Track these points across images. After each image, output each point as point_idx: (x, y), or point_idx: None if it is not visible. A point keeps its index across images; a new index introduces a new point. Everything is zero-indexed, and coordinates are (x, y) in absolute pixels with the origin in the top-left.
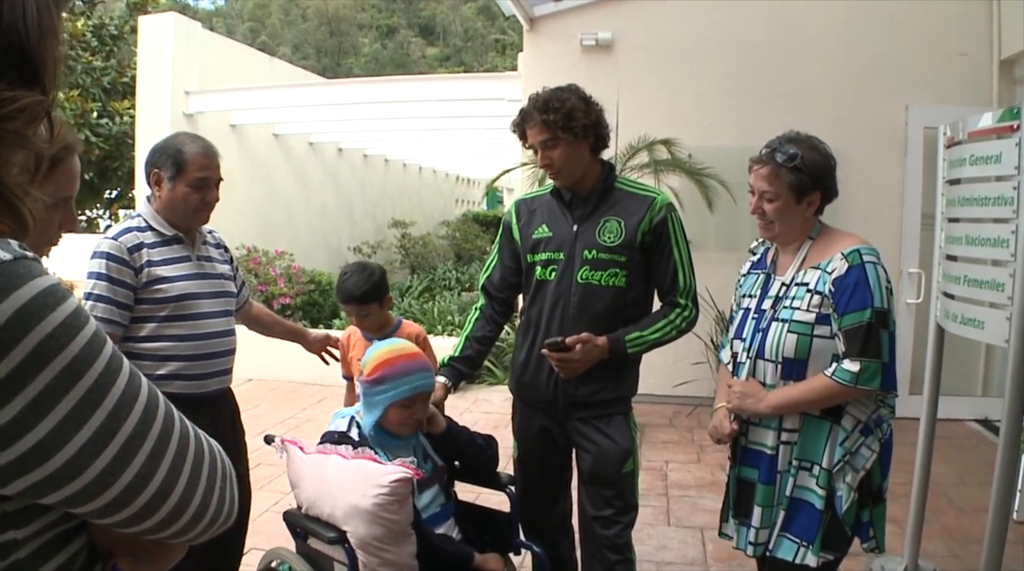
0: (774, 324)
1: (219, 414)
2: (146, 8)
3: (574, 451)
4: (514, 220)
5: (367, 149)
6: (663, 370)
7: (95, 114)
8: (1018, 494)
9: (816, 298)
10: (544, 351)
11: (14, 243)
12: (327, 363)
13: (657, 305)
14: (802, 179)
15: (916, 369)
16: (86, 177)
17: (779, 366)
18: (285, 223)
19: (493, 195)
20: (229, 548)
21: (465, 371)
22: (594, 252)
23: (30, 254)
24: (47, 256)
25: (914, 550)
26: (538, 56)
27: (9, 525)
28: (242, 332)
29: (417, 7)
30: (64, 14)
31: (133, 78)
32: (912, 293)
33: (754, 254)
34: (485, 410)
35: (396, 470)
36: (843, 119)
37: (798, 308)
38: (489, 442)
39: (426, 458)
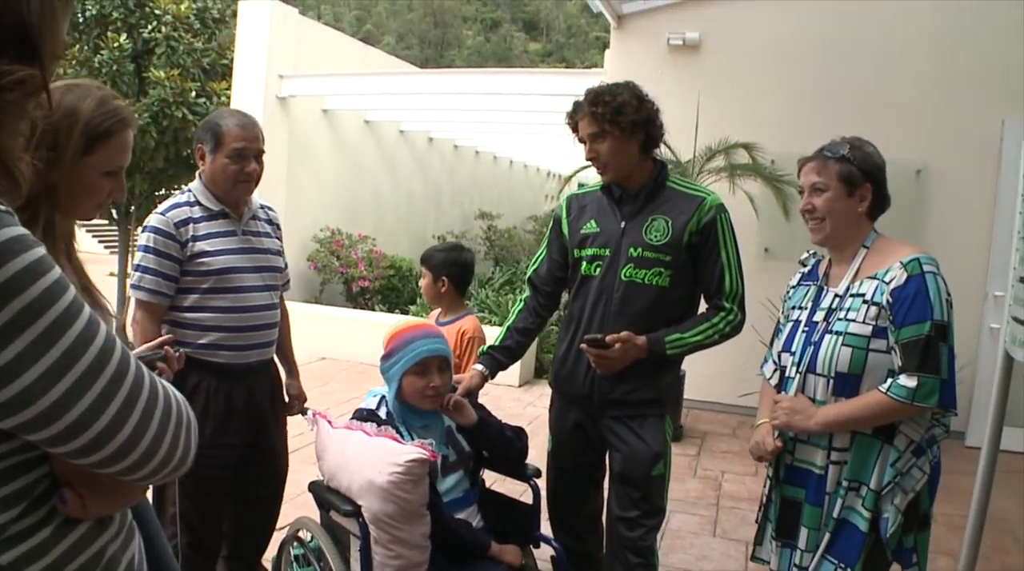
0: (827, 337)
1: (258, 385)
2: None
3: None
4: (564, 214)
5: (457, 140)
6: (730, 379)
7: (193, 93)
8: None
9: (873, 310)
10: (583, 346)
11: None
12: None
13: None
14: (851, 170)
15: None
16: (184, 154)
17: (831, 381)
18: (372, 208)
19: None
20: (263, 514)
21: (504, 361)
22: (639, 250)
23: (1, 207)
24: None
25: None
26: (625, 54)
27: None
28: (315, 312)
29: (522, 2)
30: None
31: (232, 60)
32: (998, 318)
33: (804, 266)
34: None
35: (413, 450)
36: (934, 131)
37: (854, 320)
38: (519, 434)
39: (450, 443)
